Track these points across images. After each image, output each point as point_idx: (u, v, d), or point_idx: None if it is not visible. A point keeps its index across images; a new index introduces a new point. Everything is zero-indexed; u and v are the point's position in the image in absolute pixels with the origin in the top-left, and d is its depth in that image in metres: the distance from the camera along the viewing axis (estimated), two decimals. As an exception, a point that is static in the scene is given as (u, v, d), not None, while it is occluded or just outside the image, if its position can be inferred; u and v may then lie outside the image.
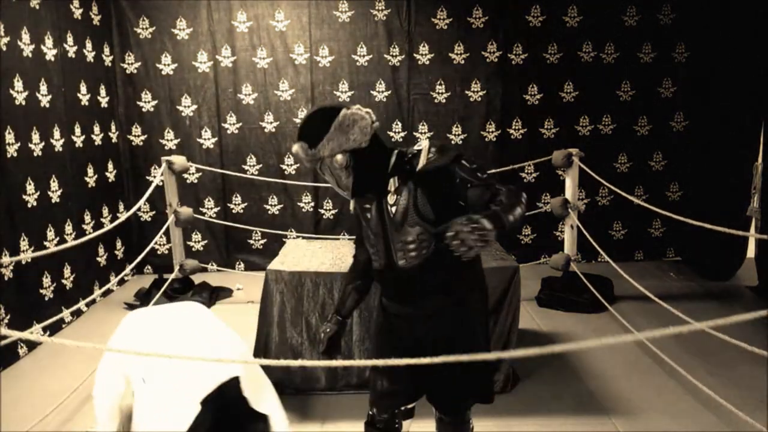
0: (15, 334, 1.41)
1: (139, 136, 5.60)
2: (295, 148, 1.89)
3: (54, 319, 3.64)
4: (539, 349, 1.23)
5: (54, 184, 4.33)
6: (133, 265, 4.76)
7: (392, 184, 1.91)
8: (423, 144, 1.91)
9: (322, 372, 3.29)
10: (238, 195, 5.74)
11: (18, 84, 3.96)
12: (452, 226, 1.57)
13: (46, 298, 4.18)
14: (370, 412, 2.24)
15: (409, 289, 2.00)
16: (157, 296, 4.51)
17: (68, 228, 4.49)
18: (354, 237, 2.25)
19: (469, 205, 1.83)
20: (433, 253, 1.91)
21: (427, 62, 5.58)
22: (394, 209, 1.91)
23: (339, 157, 1.84)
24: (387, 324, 2.14)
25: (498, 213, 1.67)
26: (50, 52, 4.36)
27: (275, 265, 3.34)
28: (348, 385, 3.30)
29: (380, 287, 2.12)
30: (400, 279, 1.97)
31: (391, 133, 5.66)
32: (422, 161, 1.87)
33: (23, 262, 3.88)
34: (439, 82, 5.62)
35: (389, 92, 5.61)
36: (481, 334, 2.11)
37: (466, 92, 5.64)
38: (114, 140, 5.46)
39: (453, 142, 5.69)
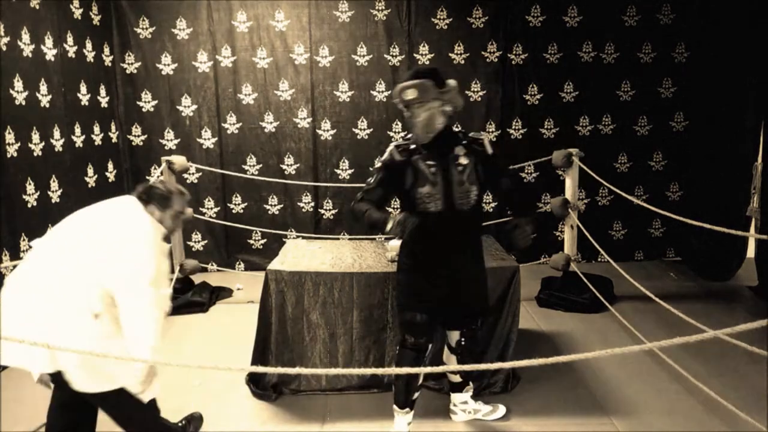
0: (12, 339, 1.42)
1: (139, 136, 5.60)
2: (423, 83, 2.50)
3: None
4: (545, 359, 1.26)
5: (54, 184, 4.33)
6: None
7: (460, 150, 2.63)
8: (485, 135, 2.72)
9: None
10: (238, 195, 5.74)
11: (18, 84, 3.96)
12: (513, 233, 2.61)
13: (46, 298, 4.17)
14: (404, 338, 2.77)
15: (457, 226, 2.65)
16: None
17: (68, 228, 4.48)
18: (369, 185, 2.72)
19: (500, 185, 2.81)
20: (474, 205, 2.66)
21: (427, 62, 5.58)
22: (460, 169, 2.62)
23: (449, 107, 2.57)
24: (417, 273, 2.71)
25: (528, 214, 2.73)
26: (50, 52, 4.36)
27: (275, 265, 3.34)
28: (349, 385, 3.30)
29: (423, 231, 2.62)
30: (455, 218, 2.63)
31: (391, 133, 5.66)
32: (488, 147, 2.68)
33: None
34: (439, 82, 5.62)
35: (389, 92, 5.61)
36: (484, 270, 2.89)
37: (466, 92, 5.64)
38: (114, 140, 5.46)
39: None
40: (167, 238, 2.50)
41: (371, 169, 5.68)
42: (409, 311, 2.72)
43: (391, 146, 2.71)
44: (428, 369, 1.65)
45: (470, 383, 3.06)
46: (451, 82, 2.58)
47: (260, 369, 1.98)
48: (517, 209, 2.82)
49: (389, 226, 2.50)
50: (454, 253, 2.68)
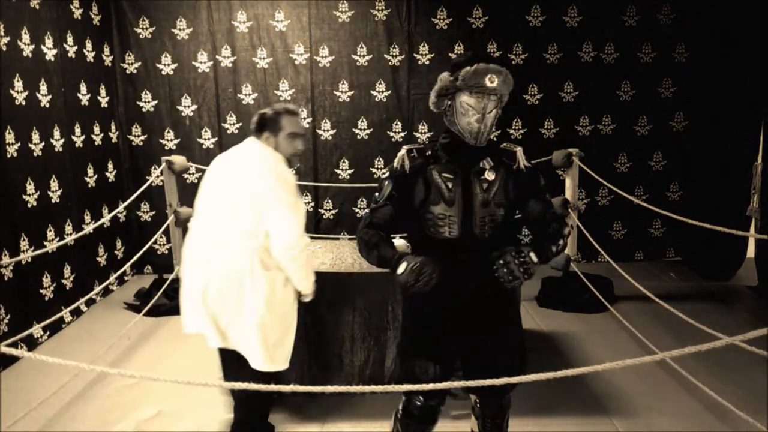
0: (6, 351, 1.41)
1: (139, 136, 5.60)
2: (509, 75, 1.99)
3: (54, 317, 3.64)
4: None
5: (54, 184, 4.33)
6: (130, 263, 4.74)
7: (487, 162, 2.08)
8: (519, 148, 2.14)
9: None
10: (238, 195, 5.73)
11: (18, 84, 3.95)
12: (504, 255, 1.93)
13: (46, 298, 4.17)
14: (410, 400, 2.24)
15: (477, 258, 2.06)
16: (157, 296, 4.51)
17: (68, 228, 4.49)
18: (378, 201, 2.14)
19: (526, 210, 2.14)
20: (500, 231, 2.11)
21: (427, 62, 5.58)
22: (486, 186, 2.06)
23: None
24: (428, 314, 2.15)
25: (545, 247, 2.04)
26: (50, 52, 4.36)
27: (275, 265, 3.33)
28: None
29: (436, 255, 2.01)
30: (474, 247, 2.08)
31: (391, 133, 5.66)
32: (521, 162, 2.11)
33: (23, 262, 3.87)
34: (439, 82, 5.61)
35: (389, 92, 5.61)
36: (516, 317, 2.36)
37: (466, 92, 5.63)
38: (114, 140, 5.46)
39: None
40: (292, 165, 2.60)
41: (371, 170, 5.69)
42: (418, 360, 2.14)
43: (403, 151, 2.13)
44: None
45: None
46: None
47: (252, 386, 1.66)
48: (538, 242, 2.11)
49: (401, 270, 1.96)
50: (474, 292, 2.12)
